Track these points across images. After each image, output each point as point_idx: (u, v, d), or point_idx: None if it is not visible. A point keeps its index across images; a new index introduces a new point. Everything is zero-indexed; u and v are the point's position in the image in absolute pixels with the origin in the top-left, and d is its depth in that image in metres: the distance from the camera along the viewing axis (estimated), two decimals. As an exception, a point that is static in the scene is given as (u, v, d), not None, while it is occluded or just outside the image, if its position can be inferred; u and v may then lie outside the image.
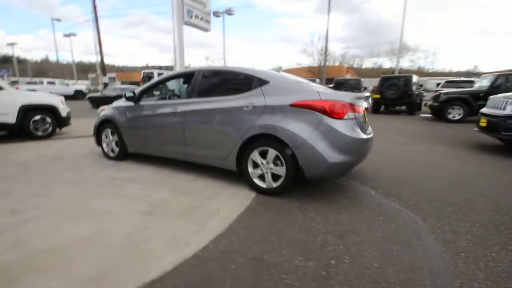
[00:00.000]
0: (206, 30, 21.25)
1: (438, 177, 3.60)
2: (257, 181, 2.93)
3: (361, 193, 3.01)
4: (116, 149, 4.13)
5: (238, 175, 3.15)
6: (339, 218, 2.40)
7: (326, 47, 19.90)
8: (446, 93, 10.29)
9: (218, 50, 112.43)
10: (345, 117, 2.56)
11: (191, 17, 18.99)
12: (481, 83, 10.90)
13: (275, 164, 2.79)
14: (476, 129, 5.76)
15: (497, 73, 10.16)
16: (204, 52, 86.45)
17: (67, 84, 22.10)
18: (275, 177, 2.82)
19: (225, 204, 2.65)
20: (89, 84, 30.88)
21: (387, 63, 49.86)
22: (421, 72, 38.86)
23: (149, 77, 20.09)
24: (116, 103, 4.19)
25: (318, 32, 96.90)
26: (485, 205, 2.75)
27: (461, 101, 9.90)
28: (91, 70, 63.69)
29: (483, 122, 5.39)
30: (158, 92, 4.29)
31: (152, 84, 3.83)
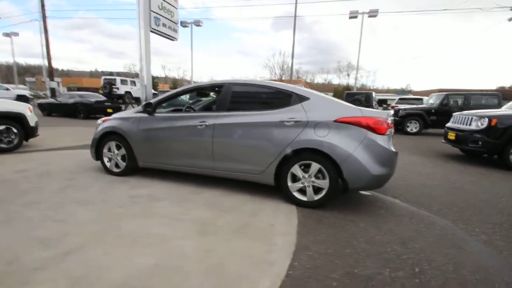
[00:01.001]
0: (173, 39, 20.82)
1: (436, 185, 4.04)
2: (297, 194, 2.94)
3: (388, 202, 3.22)
4: (122, 164, 3.74)
5: (274, 189, 3.11)
6: (389, 228, 2.54)
7: (292, 64, 20.92)
8: (405, 109, 11.61)
9: (174, 59, 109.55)
10: (386, 132, 2.76)
11: (158, 25, 18.44)
12: (432, 101, 12.59)
13: (317, 177, 2.85)
14: (443, 141, 6.63)
15: (446, 93, 11.85)
16: (159, 60, 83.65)
17: (7, 88, 19.23)
18: (316, 190, 2.87)
19: (274, 219, 2.59)
20: (27, 89, 27.31)
21: (335, 80, 54.33)
22: (364, 89, 43.17)
23: (110, 83, 18.58)
24: (124, 114, 3.83)
25: (275, 47, 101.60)
26: (489, 208, 3.17)
27: (417, 116, 11.25)
28: (28, 73, 56.42)
29: (451, 136, 6.22)
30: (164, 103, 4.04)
31: (171, 95, 3.60)
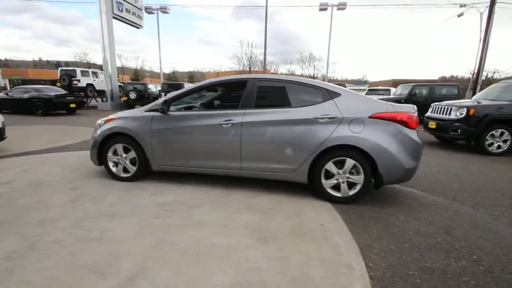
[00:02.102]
0: (138, 26, 19.48)
1: (436, 173, 4.36)
2: (330, 191, 2.95)
3: (408, 192, 3.40)
4: (132, 168, 3.40)
5: (306, 186, 3.09)
6: (425, 218, 2.67)
7: (265, 55, 20.80)
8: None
9: (129, 48, 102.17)
10: (417, 127, 2.86)
11: (121, 10, 17.14)
12: (400, 92, 13.50)
13: (351, 173, 2.88)
14: (423, 130, 7.16)
15: (413, 84, 12.78)
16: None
17: None
18: (350, 185, 2.91)
19: (319, 217, 2.57)
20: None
21: (298, 70, 55.47)
22: (321, 78, 44.81)
23: (70, 75, 16.75)
24: (130, 113, 3.45)
25: (238, 37, 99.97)
26: (492, 192, 3.51)
27: (390, 106, 11.98)
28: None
29: (432, 125, 6.74)
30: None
31: (186, 92, 3.32)
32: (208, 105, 3.84)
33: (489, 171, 4.55)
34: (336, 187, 2.94)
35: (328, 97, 2.95)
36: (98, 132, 3.48)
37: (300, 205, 2.86)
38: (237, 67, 43.82)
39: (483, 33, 16.54)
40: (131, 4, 18.00)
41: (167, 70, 62.40)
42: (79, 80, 17.45)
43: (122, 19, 17.44)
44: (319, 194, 3.00)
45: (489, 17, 16.12)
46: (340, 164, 2.90)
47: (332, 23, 21.98)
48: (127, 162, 3.41)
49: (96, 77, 19.20)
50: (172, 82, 22.38)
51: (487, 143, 5.92)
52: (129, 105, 16.71)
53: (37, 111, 11.90)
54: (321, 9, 21.37)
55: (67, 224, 2.29)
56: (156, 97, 16.38)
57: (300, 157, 2.92)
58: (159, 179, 3.51)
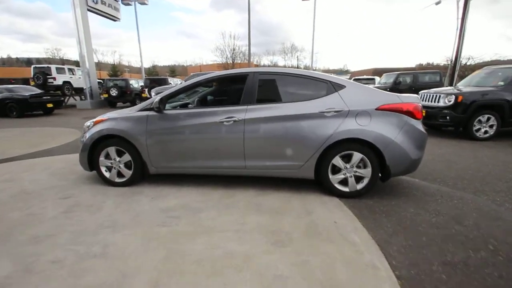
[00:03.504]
0: (115, 19, 18.58)
1: (431, 160, 4.42)
2: (338, 186, 2.90)
3: (410, 182, 3.41)
4: (128, 172, 3.19)
5: (313, 182, 3.02)
6: (434, 208, 2.67)
7: (249, 47, 20.44)
8: (366, 89, 12.43)
9: (104, 42, 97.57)
10: (422, 117, 2.84)
11: (96, 2, 16.22)
12: (385, 80, 13.70)
13: (358, 167, 2.83)
14: (413, 118, 7.28)
15: (398, 72, 12.99)
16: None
17: None
18: (357, 179, 2.87)
19: (331, 214, 2.51)
20: None
21: (281, 61, 55.19)
22: (310, 69, 45.01)
23: (44, 73, 15.75)
24: (122, 113, 3.21)
25: (218, 29, 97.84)
26: (489, 177, 3.60)
27: (377, 95, 12.16)
28: None
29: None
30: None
31: (183, 88, 3.12)
32: (205, 102, 3.66)
33: (481, 156, 4.68)
34: (344, 182, 2.89)
35: (332, 89, 2.86)
36: (88, 135, 3.23)
37: (308, 202, 2.79)
38: (220, 59, 43.05)
39: (459, 21, 17.01)
40: (107, -5, 17.03)
41: (146, 64, 60.24)
42: (54, 78, 16.51)
43: (97, 11, 16.52)
44: (327, 189, 2.95)
45: (465, 5, 16.56)
46: (346, 158, 2.84)
47: (315, 13, 21.86)
48: (122, 166, 3.20)
49: (73, 74, 18.23)
50: (155, 77, 21.62)
51: (474, 128, 6.09)
52: (110, 102, 16.02)
53: (11, 113, 11.14)
54: (304, -1, 21.15)
55: (65, 239, 2.10)
56: (138, 93, 15.76)
57: (306, 152, 2.83)
58: (157, 182, 3.32)
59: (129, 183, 3.23)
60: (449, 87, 8.14)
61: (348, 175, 2.85)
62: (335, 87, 2.86)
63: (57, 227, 2.28)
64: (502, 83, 6.20)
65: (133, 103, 14.88)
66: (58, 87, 16.63)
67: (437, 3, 22.33)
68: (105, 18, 17.92)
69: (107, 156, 3.21)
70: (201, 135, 2.99)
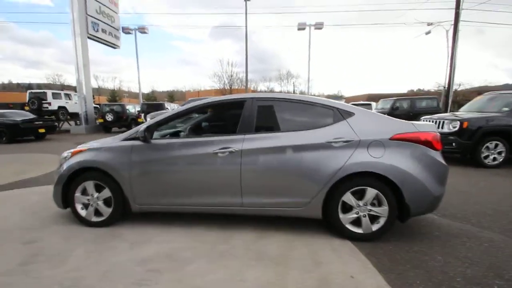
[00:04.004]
0: (115, 46, 18.91)
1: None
2: (350, 226, 2.50)
3: (428, 219, 3.02)
4: (107, 210, 2.77)
5: (322, 223, 2.62)
6: (464, 255, 2.26)
7: (246, 73, 20.80)
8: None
9: (105, 68, 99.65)
10: (441, 148, 2.53)
11: (97, 30, 16.56)
12: (382, 106, 13.71)
13: (372, 205, 2.46)
14: (416, 144, 7.02)
15: (395, 98, 13.02)
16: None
17: None
18: (372, 219, 2.48)
19: (345, 266, 2.09)
20: None
21: (277, 87, 56.28)
22: (300, 94, 45.62)
23: (39, 98, 15.60)
24: (104, 143, 2.87)
25: (216, 57, 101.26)
26: (501, 213, 3.23)
27: (376, 121, 12.05)
28: None
29: (425, 139, 6.61)
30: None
31: (173, 115, 2.80)
32: (198, 130, 3.34)
33: (496, 186, 4.34)
34: (356, 222, 2.50)
35: (340, 117, 2.57)
36: (64, 166, 2.85)
37: (316, 247, 2.37)
38: (218, 85, 43.85)
39: (450, 49, 17.56)
40: (108, 24, 17.51)
41: (146, 90, 61.03)
42: (50, 103, 16.34)
43: (97, 39, 16.84)
44: (336, 231, 2.54)
45: (454, 34, 17.17)
46: (358, 195, 2.48)
47: (310, 42, 22.56)
48: (100, 203, 2.79)
49: (69, 99, 18.14)
50: (151, 102, 21.63)
51: (482, 155, 5.81)
52: (106, 127, 15.76)
53: (1, 138, 10.75)
54: (299, 29, 21.93)
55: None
56: (135, 118, 15.57)
57: (313, 188, 2.47)
58: (140, 222, 2.89)
59: (108, 223, 2.80)
60: (450, 113, 7.99)
61: (361, 214, 2.47)
62: (343, 115, 2.57)
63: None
64: (506, 108, 6.03)
65: (129, 128, 14.63)
66: (53, 112, 16.42)
67: (427, 33, 23.21)
68: (105, 46, 18.24)
69: (84, 192, 2.81)
70: (192, 168, 2.63)
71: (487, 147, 5.80)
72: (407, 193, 2.37)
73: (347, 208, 2.50)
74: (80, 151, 2.86)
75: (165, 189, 2.68)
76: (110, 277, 1.94)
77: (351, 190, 2.45)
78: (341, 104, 2.65)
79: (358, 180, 2.44)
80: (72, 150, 2.91)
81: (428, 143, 2.43)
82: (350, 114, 2.57)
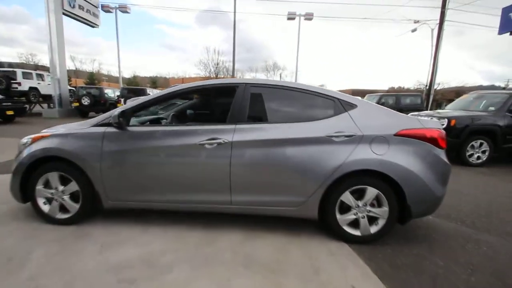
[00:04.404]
0: (94, 25, 17.68)
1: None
2: (348, 228, 2.31)
3: (423, 220, 2.90)
4: (74, 206, 2.42)
5: (316, 223, 2.41)
6: (466, 260, 2.14)
7: (233, 62, 20.20)
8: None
9: (83, 50, 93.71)
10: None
11: (73, 6, 15.31)
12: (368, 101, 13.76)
13: (372, 205, 2.28)
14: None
15: (381, 94, 13.08)
16: (66, 51, 69.90)
17: None
18: (370, 220, 2.30)
19: (344, 273, 1.90)
20: None
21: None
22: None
23: (8, 77, 14.27)
24: (70, 128, 2.48)
25: (202, 44, 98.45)
26: (504, 213, 3.19)
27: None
28: None
29: (413, 135, 6.60)
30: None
31: (153, 99, 2.45)
32: (182, 117, 3.00)
33: (483, 185, 4.35)
34: (354, 224, 2.32)
35: (341, 109, 2.34)
36: (24, 154, 2.45)
37: (312, 251, 2.17)
38: (204, 73, 42.67)
39: (434, 47, 17.88)
40: (85, 0, 16.21)
41: (127, 74, 58.32)
42: (19, 83, 15.03)
43: (74, 16, 15.60)
44: (333, 232, 2.35)
45: (439, 33, 17.47)
46: (357, 194, 2.28)
47: (300, 32, 22.23)
48: (66, 197, 2.42)
49: (42, 80, 16.80)
50: (132, 87, 20.60)
51: (467, 154, 5.87)
52: (82, 112, 14.80)
53: (-39, 120, 9.74)
54: (289, 18, 21.49)
55: None
56: (114, 103, 14.72)
57: (309, 186, 2.24)
58: (113, 220, 2.56)
59: (75, 221, 2.45)
60: (436, 111, 8.05)
61: (360, 215, 2.28)
62: (345, 106, 2.34)
63: None
64: (492, 108, 6.10)
65: (107, 114, 13.81)
66: (23, 93, 15.16)
67: (413, 31, 23.50)
68: (83, 24, 16.98)
69: (47, 184, 2.43)
70: (175, 160, 2.32)
71: (472, 146, 5.84)
72: (409, 194, 2.20)
73: (344, 209, 2.30)
74: (43, 137, 2.46)
75: (143, 184, 2.36)
76: (76, 285, 1.62)
77: (351, 189, 2.25)
78: (343, 95, 2.41)
79: (358, 178, 2.24)
80: (33, 136, 2.50)
81: (433, 141, 2.25)
82: (352, 106, 2.34)
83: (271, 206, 2.33)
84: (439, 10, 17.47)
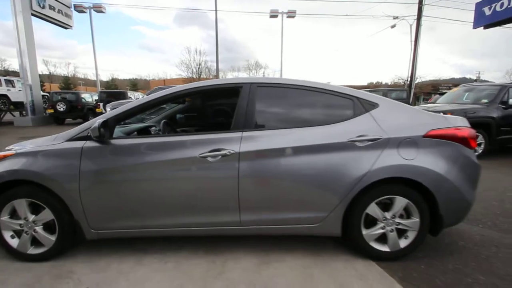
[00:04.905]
0: (66, 26, 16.65)
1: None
2: (375, 244, 2.04)
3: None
4: (49, 239, 1.99)
5: (340, 240, 2.12)
6: (507, 271, 1.93)
7: (217, 63, 19.67)
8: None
9: (57, 53, 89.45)
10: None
11: (43, 7, 14.30)
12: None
13: (401, 216, 2.02)
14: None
15: (368, 89, 13.12)
16: (38, 54, 66.20)
17: None
18: (399, 234, 2.04)
19: (382, 302, 1.62)
20: None
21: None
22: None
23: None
24: (43, 143, 2.03)
25: (182, 45, 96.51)
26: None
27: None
28: None
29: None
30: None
31: (140, 106, 2.04)
32: (177, 125, 2.61)
33: (486, 180, 4.22)
34: (381, 238, 2.05)
35: (361, 109, 2.05)
36: (-17, 178, 1.99)
37: (338, 274, 1.88)
38: (186, 74, 41.69)
39: (413, 42, 18.31)
40: (56, 0, 15.16)
41: (105, 77, 56.00)
42: (-15, 90, 13.86)
43: (44, 17, 14.56)
44: (359, 249, 2.07)
45: (417, 28, 17.89)
46: (383, 205, 2.01)
47: (283, 31, 22.04)
48: (39, 228, 1.99)
49: (12, 86, 15.58)
50: (111, 90, 19.63)
51: (464, 147, 5.82)
52: (57, 119, 13.87)
53: None
54: (271, 16, 21.24)
55: None
56: (92, 109, 13.87)
57: (331, 199, 1.95)
58: (99, 250, 2.15)
59: (52, 255, 2.02)
60: (428, 105, 8.04)
61: (388, 228, 2.01)
62: (365, 106, 2.06)
63: None
64: (486, 100, 6.09)
65: (86, 120, 12.97)
66: (-10, 101, 13.99)
67: (392, 27, 23.93)
68: (56, 27, 15.91)
69: (14, 214, 1.99)
70: (171, 177, 1.94)
71: (468, 139, 5.80)
72: (442, 202, 1.96)
73: (370, 222, 2.03)
74: (5, 156, 2.01)
75: (132, 208, 1.97)
76: None
77: (377, 200, 1.98)
78: (362, 93, 2.12)
79: (385, 187, 1.97)
80: (-6, 154, 2.04)
81: (464, 141, 2.02)
82: (373, 105, 2.06)
83: (286, 224, 2.01)
84: (414, 6, 17.87)
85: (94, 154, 1.93)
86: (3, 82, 15.15)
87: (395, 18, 23.21)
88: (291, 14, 21.18)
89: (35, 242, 2.02)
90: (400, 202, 1.97)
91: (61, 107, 13.34)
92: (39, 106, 14.23)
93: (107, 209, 1.97)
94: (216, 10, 19.50)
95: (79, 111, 13.70)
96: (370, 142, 1.94)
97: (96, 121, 1.86)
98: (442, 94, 9.99)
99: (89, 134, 1.90)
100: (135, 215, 1.98)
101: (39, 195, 1.94)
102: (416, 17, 17.62)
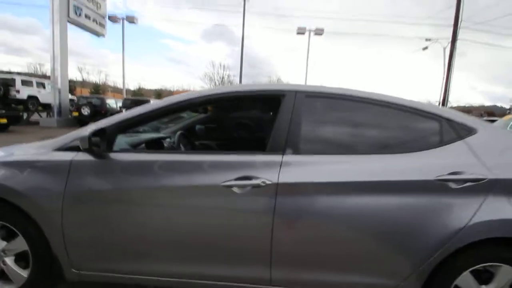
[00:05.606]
0: (99, 34, 17.29)
1: None
2: (464, 331, 1.39)
3: None
4: (20, 274, 1.52)
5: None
6: None
7: (240, 76, 19.73)
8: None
9: (91, 61, 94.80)
10: None
11: (79, 15, 14.88)
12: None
13: (504, 293, 1.37)
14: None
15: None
16: (73, 61, 69.37)
17: None
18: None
19: None
20: None
21: None
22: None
23: (6, 84, 13.67)
24: (25, 152, 1.62)
25: (208, 58, 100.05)
26: None
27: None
28: None
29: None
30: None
31: (149, 113, 1.57)
32: (197, 139, 2.10)
33: None
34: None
35: (452, 135, 1.46)
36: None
37: None
38: (209, 86, 42.55)
39: (446, 67, 17.52)
40: (92, 10, 15.95)
41: (132, 86, 58.40)
42: (18, 91, 14.46)
43: (80, 25, 15.26)
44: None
45: (451, 52, 17.11)
46: (477, 272, 1.37)
47: (309, 48, 21.89)
48: (8, 260, 1.53)
49: (43, 88, 16.27)
50: (135, 97, 20.06)
51: None
52: (81, 121, 14.10)
53: None
54: (298, 33, 21.19)
55: None
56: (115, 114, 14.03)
57: (405, 262, 1.34)
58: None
59: (20, 298, 1.54)
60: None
61: (486, 310, 1.36)
62: (459, 131, 1.46)
63: None
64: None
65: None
66: (21, 101, 14.55)
67: (424, 49, 23.17)
68: (92, 36, 16.68)
69: (-21, 240, 1.55)
70: (183, 210, 1.44)
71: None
72: None
73: (459, 297, 1.39)
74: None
75: (129, 246, 1.46)
76: None
77: (473, 267, 1.35)
78: (454, 113, 1.54)
79: (487, 250, 1.34)
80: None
81: None
82: (470, 130, 1.47)
83: (338, 290, 1.42)
84: (445, 29, 17.24)
85: (85, 170, 1.47)
86: (34, 84, 15.85)
87: (427, 40, 22.50)
88: (318, 32, 21.01)
89: (3, 276, 1.56)
90: (508, 274, 1.33)
91: (85, 110, 13.60)
92: (65, 109, 14.64)
93: (96, 244, 1.49)
94: (243, 26, 19.75)
95: (102, 116, 13.87)
96: (469, 183, 1.33)
97: (88, 129, 1.40)
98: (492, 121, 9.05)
99: (79, 144, 1.44)
100: (131, 257, 1.47)
101: (12, 217, 1.49)
102: (450, 40, 17.02)
